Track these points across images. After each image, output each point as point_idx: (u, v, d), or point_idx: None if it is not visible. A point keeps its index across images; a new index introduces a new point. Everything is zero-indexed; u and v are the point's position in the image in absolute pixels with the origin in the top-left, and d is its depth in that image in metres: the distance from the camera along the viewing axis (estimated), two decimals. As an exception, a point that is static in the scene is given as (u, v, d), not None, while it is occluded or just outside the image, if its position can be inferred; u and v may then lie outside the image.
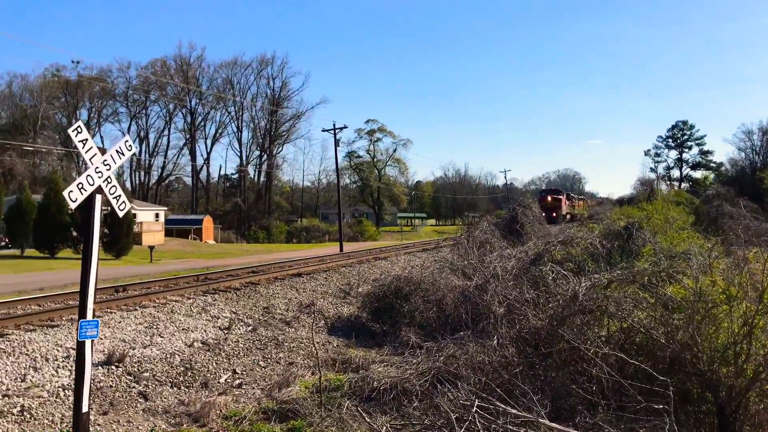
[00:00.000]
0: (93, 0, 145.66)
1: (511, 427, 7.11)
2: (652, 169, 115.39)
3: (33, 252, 37.20)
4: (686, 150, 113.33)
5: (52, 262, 33.02)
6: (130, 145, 7.80)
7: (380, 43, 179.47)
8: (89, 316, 6.92)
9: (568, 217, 48.95)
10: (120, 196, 7.60)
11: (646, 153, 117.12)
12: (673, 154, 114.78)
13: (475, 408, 7.28)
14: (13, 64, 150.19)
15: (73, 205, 6.95)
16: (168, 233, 61.26)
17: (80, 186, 6.93)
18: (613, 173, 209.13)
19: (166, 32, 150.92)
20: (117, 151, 7.58)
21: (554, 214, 40.38)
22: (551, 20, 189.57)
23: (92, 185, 7.07)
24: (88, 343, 6.89)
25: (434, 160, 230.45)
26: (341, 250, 40.47)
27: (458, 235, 21.73)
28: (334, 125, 46.02)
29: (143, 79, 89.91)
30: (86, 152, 7.15)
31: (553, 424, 7.12)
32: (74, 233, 37.53)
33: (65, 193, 6.82)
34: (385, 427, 7.59)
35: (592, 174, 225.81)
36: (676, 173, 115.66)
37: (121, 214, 7.78)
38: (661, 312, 8.96)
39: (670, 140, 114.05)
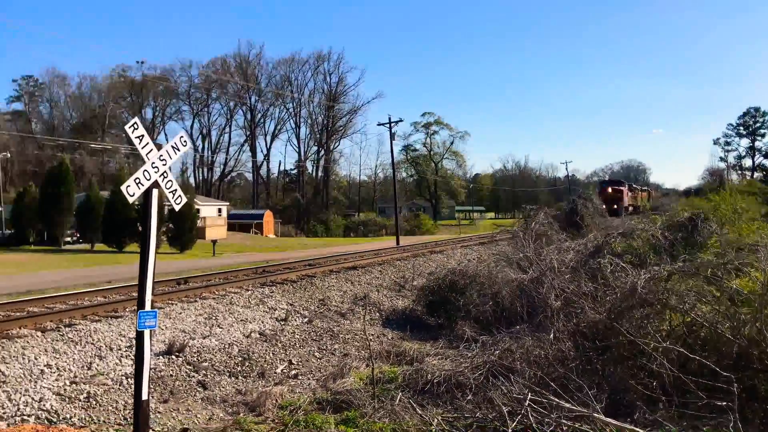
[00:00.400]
0: (156, 1, 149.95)
1: (565, 421, 6.97)
2: (721, 159, 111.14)
3: (102, 246, 38.75)
4: (759, 138, 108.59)
5: (119, 256, 34.32)
6: (185, 141, 7.94)
7: (437, 36, 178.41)
8: (148, 306, 7.10)
9: (631, 209, 47.32)
10: (176, 190, 7.75)
11: (716, 142, 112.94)
12: (745, 142, 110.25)
13: (527, 402, 7.18)
14: (82, 66, 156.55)
15: (131, 200, 7.14)
16: (230, 228, 62.74)
17: (137, 181, 7.10)
18: (679, 163, 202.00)
19: (226, 31, 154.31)
20: (172, 147, 7.72)
21: (615, 206, 38.79)
22: (612, 10, 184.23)
23: (149, 180, 7.22)
24: (146, 332, 7.07)
25: (493, 153, 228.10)
26: (398, 243, 40.56)
27: (515, 228, 21.40)
28: (389, 119, 46.17)
29: (204, 78, 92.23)
30: (143, 148, 7.31)
31: (609, 420, 6.95)
32: (140, 228, 38.89)
33: (123, 188, 7.01)
34: (436, 420, 7.56)
35: (658, 165, 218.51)
36: (747, 162, 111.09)
37: (177, 207, 7.95)
38: (727, 306, 8.61)
39: (741, 128, 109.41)
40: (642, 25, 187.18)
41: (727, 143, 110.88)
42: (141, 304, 7.08)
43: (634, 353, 8.85)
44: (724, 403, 6.85)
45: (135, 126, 7.30)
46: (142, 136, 7.32)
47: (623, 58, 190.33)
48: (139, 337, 7.04)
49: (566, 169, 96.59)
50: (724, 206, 17.61)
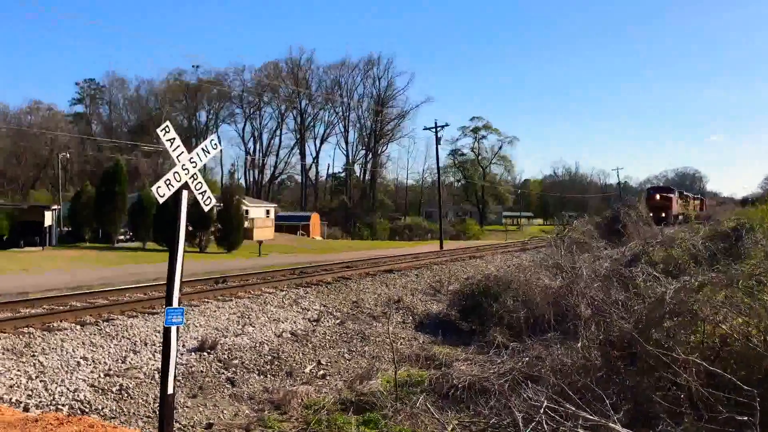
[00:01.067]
0: (211, 7, 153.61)
1: (581, 430, 6.92)
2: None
3: (153, 245, 39.94)
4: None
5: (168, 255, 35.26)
6: (215, 144, 8.18)
7: (487, 39, 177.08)
8: (175, 303, 7.33)
9: (681, 217, 45.08)
10: (205, 191, 7.98)
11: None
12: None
13: (543, 409, 7.15)
14: (140, 70, 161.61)
15: (161, 200, 7.41)
16: (278, 229, 63.72)
17: (167, 182, 7.35)
18: (738, 171, 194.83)
19: (279, 36, 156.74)
20: (203, 150, 7.95)
21: (663, 214, 36.85)
22: (670, 14, 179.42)
23: (179, 181, 7.46)
24: (173, 329, 7.30)
25: (543, 158, 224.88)
26: (441, 247, 40.51)
27: (553, 236, 21.15)
28: (435, 123, 46.19)
29: (257, 82, 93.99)
30: (173, 150, 7.56)
31: (626, 431, 6.86)
32: (189, 228, 39.97)
33: (153, 189, 7.29)
34: (452, 425, 7.61)
35: (715, 172, 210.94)
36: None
37: (206, 209, 8.20)
38: (759, 318, 8.37)
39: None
40: (702, 28, 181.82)
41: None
42: (169, 301, 7.32)
43: (659, 364, 8.68)
44: (746, 417, 6.68)
45: (166, 129, 7.58)
46: (174, 138, 7.58)
47: (680, 63, 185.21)
48: (166, 333, 7.28)
49: (617, 176, 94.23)
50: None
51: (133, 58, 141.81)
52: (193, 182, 7.70)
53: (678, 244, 14.75)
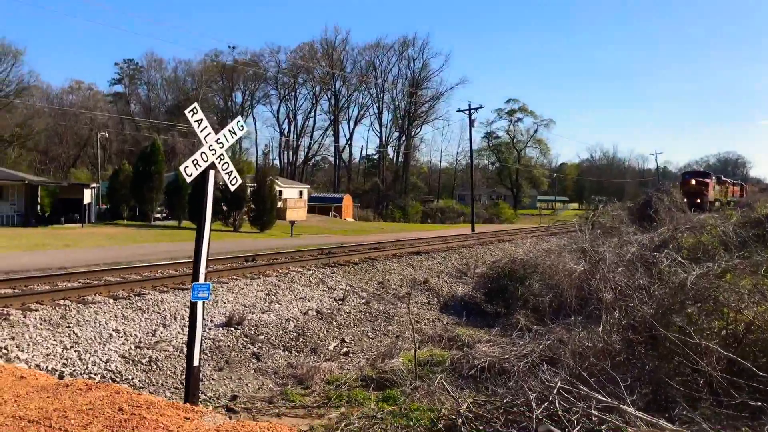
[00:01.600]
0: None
1: (594, 412, 7.01)
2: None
3: (188, 224, 40.74)
4: None
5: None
6: (242, 126, 8.38)
7: (524, 21, 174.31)
8: (201, 279, 7.60)
9: (717, 204, 43.51)
10: (231, 171, 8.21)
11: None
12: None
13: (556, 389, 7.25)
14: (178, 51, 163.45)
15: (188, 179, 7.65)
16: (310, 210, 64.33)
17: (195, 162, 7.60)
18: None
19: (314, 17, 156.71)
20: (229, 131, 8.17)
21: (698, 200, 34.96)
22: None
23: (206, 161, 7.70)
24: (199, 303, 7.57)
25: (580, 142, 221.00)
26: (473, 230, 40.48)
27: (583, 220, 21.00)
28: (469, 105, 45.88)
29: (292, 63, 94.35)
30: (201, 131, 7.80)
31: (638, 413, 6.93)
32: (224, 208, 40.67)
33: (181, 168, 7.54)
34: (466, 403, 7.75)
35: (761, 157, 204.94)
36: None
37: (232, 188, 8.41)
38: (780, 306, 8.31)
39: None
40: (747, 9, 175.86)
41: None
42: (195, 276, 7.59)
43: (679, 350, 8.69)
44: (759, 403, 6.70)
45: (194, 110, 7.82)
46: (201, 120, 7.82)
47: (727, 44, 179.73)
48: (193, 307, 7.55)
49: (656, 160, 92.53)
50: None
51: (172, 38, 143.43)
52: (219, 162, 7.93)
53: (708, 231, 14.54)
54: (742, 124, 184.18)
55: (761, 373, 6.94)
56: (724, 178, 55.64)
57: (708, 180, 43.87)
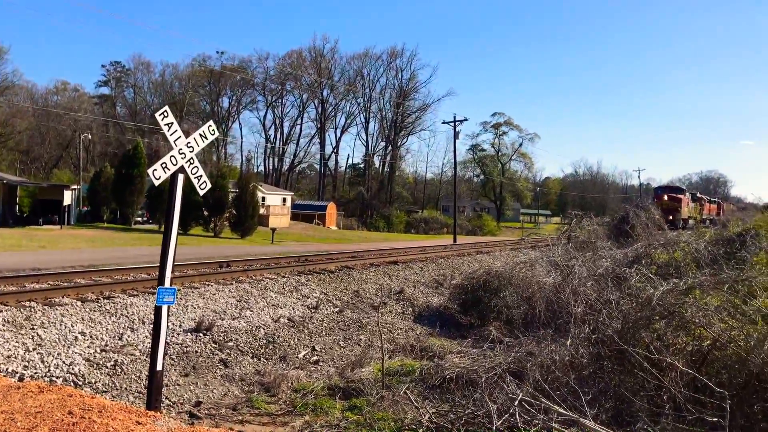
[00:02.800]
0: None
1: (555, 425, 7.03)
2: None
3: (169, 228, 40.44)
4: None
5: (184, 238, 35.72)
6: (213, 130, 8.36)
7: (511, 36, 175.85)
8: (167, 283, 7.55)
9: (692, 221, 42.49)
10: (201, 176, 8.16)
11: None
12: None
13: (518, 401, 7.27)
14: (166, 54, 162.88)
15: (156, 182, 7.62)
16: (294, 217, 64.17)
17: (164, 165, 7.56)
18: (765, 177, 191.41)
19: (303, 25, 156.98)
20: (200, 135, 8.14)
21: (671, 217, 33.49)
22: (701, 14, 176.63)
23: (175, 165, 7.67)
24: (164, 308, 7.53)
25: (564, 157, 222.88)
26: (455, 242, 40.60)
27: (558, 234, 21.13)
28: (454, 117, 46.20)
29: (280, 70, 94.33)
30: (171, 135, 7.76)
31: (597, 427, 6.96)
32: (205, 213, 40.47)
33: (150, 171, 7.51)
34: (428, 414, 7.75)
35: (743, 177, 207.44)
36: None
37: (201, 193, 8.36)
38: (743, 322, 8.40)
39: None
40: (734, 30, 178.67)
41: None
42: (161, 280, 7.54)
43: (643, 365, 8.76)
44: (716, 419, 6.76)
45: (165, 114, 7.79)
46: (171, 123, 7.79)
47: (714, 64, 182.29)
48: (158, 311, 7.50)
49: (638, 177, 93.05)
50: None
51: (160, 42, 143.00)
52: (189, 166, 7.89)
53: (681, 248, 14.70)
54: (725, 144, 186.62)
55: (717, 390, 7.00)
56: (699, 195, 53.85)
57: (681, 196, 42.27)
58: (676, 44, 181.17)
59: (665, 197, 39.36)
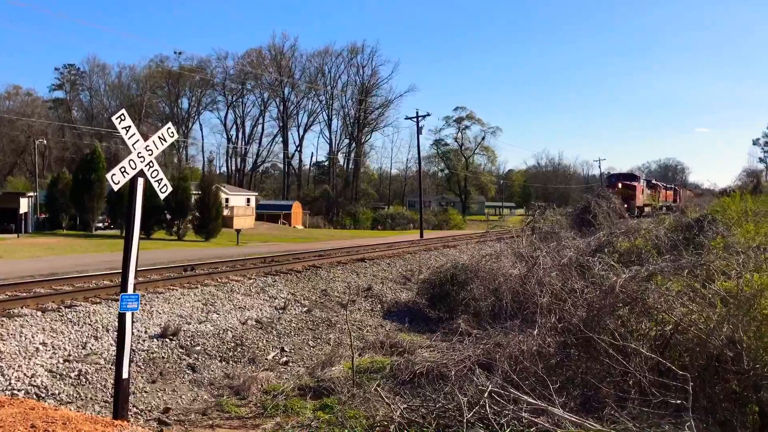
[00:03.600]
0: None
1: (524, 414, 7.12)
2: (761, 159, 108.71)
3: (131, 233, 39.74)
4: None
5: (147, 243, 35.13)
6: (172, 132, 8.23)
7: (472, 29, 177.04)
8: (130, 290, 7.42)
9: (647, 209, 40.80)
10: (162, 179, 8.03)
11: (755, 142, 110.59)
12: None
13: (487, 393, 7.34)
14: (122, 56, 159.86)
15: (115, 187, 7.47)
16: (258, 218, 63.65)
17: (122, 170, 7.42)
18: (720, 163, 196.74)
19: (262, 23, 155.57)
20: (159, 138, 8.01)
21: (625, 206, 31.21)
22: (656, 2, 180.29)
23: (134, 169, 7.53)
24: (128, 314, 7.40)
25: (526, 149, 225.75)
26: (421, 236, 40.73)
27: (523, 225, 21.38)
28: (416, 113, 46.27)
29: (240, 69, 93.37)
30: (129, 138, 7.62)
31: (567, 414, 7.07)
32: (168, 216, 39.87)
33: (108, 176, 7.36)
34: (399, 409, 7.78)
35: (698, 164, 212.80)
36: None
37: (162, 196, 8.23)
38: (703, 307, 8.61)
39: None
40: (686, 19, 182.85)
41: None
42: (124, 287, 7.41)
43: (608, 352, 8.91)
44: (679, 401, 6.93)
45: (122, 117, 7.64)
46: (129, 126, 7.65)
47: (668, 54, 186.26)
48: (121, 318, 7.37)
49: (599, 166, 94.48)
50: (733, 208, 17.37)
51: (115, 43, 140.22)
52: (148, 170, 7.76)
53: (642, 235, 15.00)
54: (681, 132, 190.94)
55: (680, 373, 7.17)
56: (654, 182, 52.58)
57: (636, 183, 40.87)
58: (631, 35, 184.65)
59: (619, 185, 38.20)
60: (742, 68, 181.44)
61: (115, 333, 10.57)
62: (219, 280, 15.09)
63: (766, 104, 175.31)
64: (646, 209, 40.57)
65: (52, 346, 9.58)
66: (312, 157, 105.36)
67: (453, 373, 9.56)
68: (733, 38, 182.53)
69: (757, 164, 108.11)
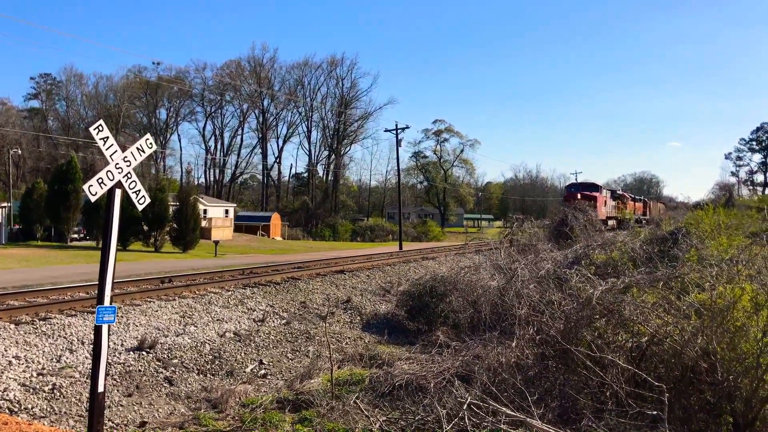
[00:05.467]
0: (172, 3, 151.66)
1: (503, 426, 7.16)
2: (733, 173, 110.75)
3: (107, 244, 39.23)
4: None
5: (123, 254, 34.71)
6: (150, 143, 8.16)
7: (451, 43, 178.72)
8: (107, 302, 7.32)
9: (611, 222, 37.84)
10: (140, 191, 7.96)
11: (727, 156, 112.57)
12: (758, 157, 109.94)
13: (466, 405, 7.37)
14: (99, 66, 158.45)
15: (92, 199, 7.36)
16: (237, 229, 63.26)
17: (100, 181, 7.34)
18: (693, 177, 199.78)
19: (241, 34, 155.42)
20: (137, 149, 7.93)
21: (584, 219, 27.46)
22: (629, 19, 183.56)
23: (112, 180, 7.45)
24: (104, 327, 7.29)
25: (505, 162, 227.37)
26: (400, 248, 40.76)
27: (500, 238, 21.52)
28: (396, 125, 46.47)
29: (218, 80, 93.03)
30: (107, 149, 7.54)
31: (544, 426, 7.12)
32: (145, 227, 39.44)
33: (85, 188, 7.27)
34: (379, 422, 7.77)
35: (672, 178, 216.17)
36: (760, 178, 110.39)
37: (140, 208, 8.15)
38: (678, 318, 8.74)
39: (754, 143, 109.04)
40: (661, 35, 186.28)
41: (739, 158, 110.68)
42: (100, 299, 7.31)
43: (585, 363, 8.99)
44: (655, 412, 7.01)
45: (100, 128, 7.56)
46: (107, 137, 7.57)
47: (642, 69, 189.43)
48: (97, 331, 7.26)
49: (576, 179, 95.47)
50: (706, 221, 17.68)
51: (93, 53, 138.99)
52: (126, 181, 7.69)
53: (618, 248, 15.19)
54: (654, 146, 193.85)
55: (656, 384, 7.26)
56: (621, 193, 48.95)
57: (597, 194, 36.91)
58: (609, 51, 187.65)
59: (578, 196, 34.40)
60: (714, 84, 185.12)
61: (91, 346, 10.44)
62: (197, 292, 14.96)
63: (737, 119, 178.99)
64: (610, 222, 37.74)
65: (26, 360, 9.42)
66: (291, 168, 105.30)
67: (432, 385, 9.58)
68: (707, 54, 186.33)
69: (729, 178, 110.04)
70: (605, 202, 38.70)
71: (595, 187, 39.22)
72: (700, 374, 8.32)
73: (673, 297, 9.49)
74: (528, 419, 7.04)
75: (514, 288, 11.71)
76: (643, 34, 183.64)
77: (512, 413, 7.24)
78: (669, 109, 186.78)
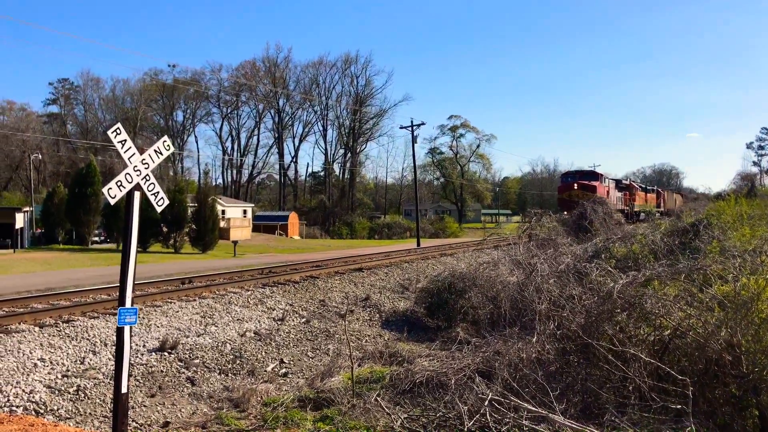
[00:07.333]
0: (186, 7, 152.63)
1: (525, 422, 7.12)
2: (754, 163, 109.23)
3: (127, 246, 39.61)
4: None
5: (143, 256, 35.04)
6: (168, 146, 8.22)
7: (466, 38, 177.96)
8: (128, 304, 7.39)
9: (618, 215, 31.30)
10: (158, 192, 8.02)
11: (749, 146, 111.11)
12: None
13: (487, 401, 7.33)
14: (116, 70, 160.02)
15: (112, 201, 7.43)
16: (255, 229, 63.57)
17: (119, 183, 7.41)
18: (713, 168, 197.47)
19: (256, 35, 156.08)
20: (155, 151, 8.00)
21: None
22: (645, 10, 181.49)
23: (131, 183, 7.52)
24: (126, 329, 7.37)
25: (521, 156, 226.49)
26: (418, 245, 40.73)
27: (519, 233, 21.41)
28: (411, 122, 46.40)
29: (234, 81, 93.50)
30: (125, 152, 7.61)
31: (567, 421, 7.07)
32: (164, 229, 39.77)
33: (105, 190, 7.34)
34: (399, 420, 7.77)
35: (692, 169, 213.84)
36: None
37: (159, 209, 8.20)
38: (701, 311, 8.63)
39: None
40: (681, 26, 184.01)
41: (761, 147, 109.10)
42: (122, 301, 7.38)
43: (607, 357, 8.92)
44: (679, 406, 6.93)
45: (118, 131, 7.63)
46: (125, 140, 7.64)
47: (659, 61, 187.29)
48: (120, 333, 7.34)
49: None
50: (728, 211, 17.43)
51: (110, 57, 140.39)
52: (145, 183, 7.75)
53: (638, 240, 15.04)
54: (673, 137, 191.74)
55: (680, 377, 7.18)
56: (627, 182, 43.47)
57: (596, 183, 32.06)
58: (626, 42, 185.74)
59: (575, 186, 30.26)
60: (732, 73, 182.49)
61: (114, 347, 10.54)
62: (217, 292, 15.05)
63: (758, 108, 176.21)
64: (615, 216, 31.96)
65: (51, 362, 9.55)
66: (308, 167, 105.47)
67: (453, 381, 9.55)
68: (726, 45, 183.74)
69: (751, 168, 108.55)
70: (607, 192, 34.05)
71: (594, 176, 34.73)
72: (724, 367, 8.21)
73: (695, 289, 9.38)
74: (550, 415, 7.00)
75: (534, 283, 11.63)
76: (659, 25, 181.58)
77: (534, 409, 7.20)
78: (687, 100, 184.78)
